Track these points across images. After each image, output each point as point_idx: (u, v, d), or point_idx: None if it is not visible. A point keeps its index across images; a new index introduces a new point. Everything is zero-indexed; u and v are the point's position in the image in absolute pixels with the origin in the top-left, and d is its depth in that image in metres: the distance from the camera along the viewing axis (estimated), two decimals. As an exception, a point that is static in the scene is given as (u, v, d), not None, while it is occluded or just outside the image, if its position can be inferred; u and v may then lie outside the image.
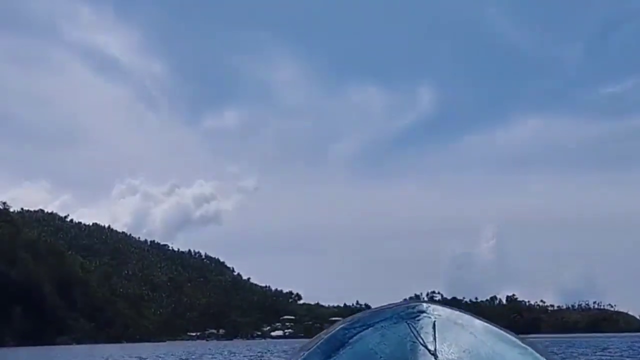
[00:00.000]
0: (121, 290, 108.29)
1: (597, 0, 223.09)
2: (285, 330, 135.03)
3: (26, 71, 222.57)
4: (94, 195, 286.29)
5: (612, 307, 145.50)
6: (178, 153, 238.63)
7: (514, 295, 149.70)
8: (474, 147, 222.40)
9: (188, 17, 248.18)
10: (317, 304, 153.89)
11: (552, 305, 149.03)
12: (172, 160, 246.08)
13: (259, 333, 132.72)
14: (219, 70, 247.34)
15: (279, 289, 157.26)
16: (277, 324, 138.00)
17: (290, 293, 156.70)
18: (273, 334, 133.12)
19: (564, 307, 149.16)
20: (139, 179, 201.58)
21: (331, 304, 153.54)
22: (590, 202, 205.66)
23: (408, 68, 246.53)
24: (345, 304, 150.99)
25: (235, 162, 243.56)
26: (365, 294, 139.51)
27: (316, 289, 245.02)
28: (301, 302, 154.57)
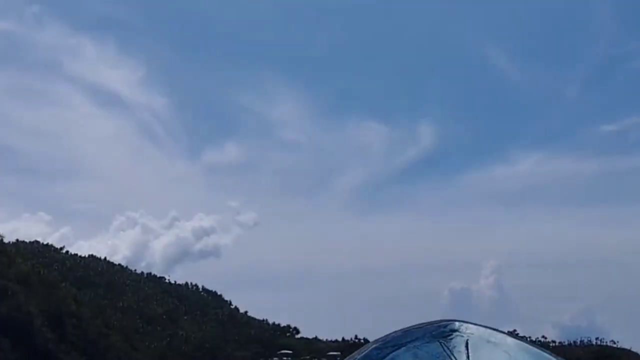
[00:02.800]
0: (115, 323, 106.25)
1: (597, 38, 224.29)
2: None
3: (28, 105, 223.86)
4: (93, 228, 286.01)
5: (614, 343, 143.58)
6: (178, 187, 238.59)
7: (515, 330, 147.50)
8: (473, 184, 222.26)
9: (189, 53, 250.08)
10: (315, 338, 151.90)
11: (554, 341, 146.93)
12: (172, 194, 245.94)
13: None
14: (219, 105, 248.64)
15: (276, 322, 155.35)
16: (275, 358, 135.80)
17: (288, 327, 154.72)
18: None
19: (566, 343, 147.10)
20: (138, 212, 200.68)
21: (329, 338, 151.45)
22: (591, 238, 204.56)
23: (408, 104, 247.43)
24: (343, 339, 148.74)
25: (235, 197, 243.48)
26: (364, 328, 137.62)
27: (314, 323, 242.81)
28: (299, 336, 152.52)
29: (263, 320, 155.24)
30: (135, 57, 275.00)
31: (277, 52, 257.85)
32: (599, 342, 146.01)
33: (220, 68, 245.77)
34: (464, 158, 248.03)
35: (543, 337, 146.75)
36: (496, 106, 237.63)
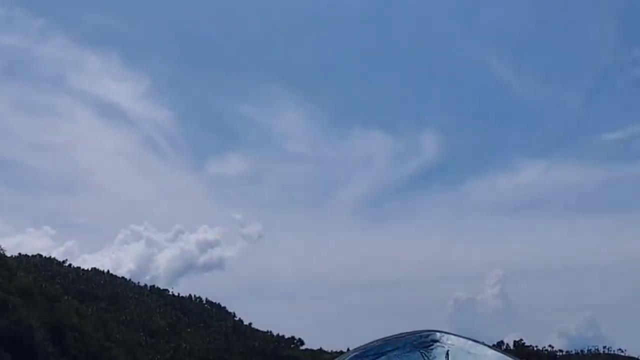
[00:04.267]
0: (117, 335, 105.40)
1: (601, 46, 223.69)
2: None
3: (32, 118, 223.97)
4: (98, 241, 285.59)
5: (622, 352, 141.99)
6: (183, 199, 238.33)
7: (521, 340, 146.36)
8: (477, 193, 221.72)
9: (193, 66, 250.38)
10: (320, 349, 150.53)
11: (560, 350, 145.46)
12: (176, 207, 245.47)
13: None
14: (223, 118, 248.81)
15: (281, 334, 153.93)
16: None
17: (293, 338, 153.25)
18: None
19: (573, 352, 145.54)
20: (143, 225, 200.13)
21: (334, 350, 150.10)
22: (596, 247, 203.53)
23: (412, 114, 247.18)
24: (348, 349, 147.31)
25: (239, 209, 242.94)
26: (369, 339, 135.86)
27: (319, 335, 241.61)
28: (303, 347, 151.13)
29: (267, 331, 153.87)
30: (139, 71, 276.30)
31: (280, 64, 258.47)
32: (606, 351, 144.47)
33: (223, 80, 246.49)
34: (467, 167, 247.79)
35: (550, 346, 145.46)
36: (500, 115, 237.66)
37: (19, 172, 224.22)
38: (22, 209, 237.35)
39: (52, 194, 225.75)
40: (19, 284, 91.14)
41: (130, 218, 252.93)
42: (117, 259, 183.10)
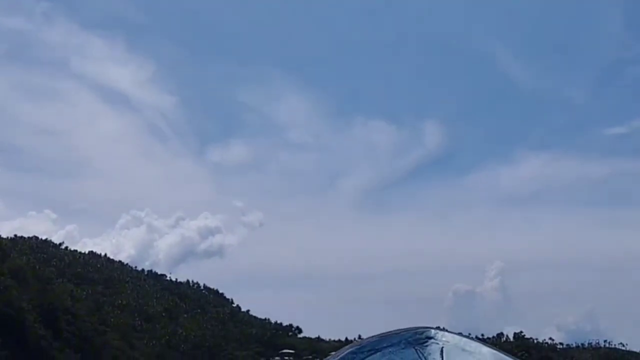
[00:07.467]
0: (112, 320, 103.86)
1: (605, 41, 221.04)
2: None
3: (36, 103, 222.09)
4: (99, 226, 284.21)
5: (623, 346, 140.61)
6: (184, 186, 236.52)
7: (521, 332, 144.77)
8: (479, 185, 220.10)
9: (197, 52, 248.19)
10: (318, 337, 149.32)
11: (561, 343, 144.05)
12: (178, 193, 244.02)
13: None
14: (226, 105, 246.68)
15: (278, 321, 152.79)
16: (276, 357, 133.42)
17: (290, 326, 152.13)
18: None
19: (573, 345, 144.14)
20: (144, 211, 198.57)
21: (332, 338, 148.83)
22: (596, 240, 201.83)
23: (415, 105, 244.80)
24: (346, 338, 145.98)
25: (241, 197, 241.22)
26: (368, 329, 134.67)
27: (317, 323, 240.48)
28: (301, 335, 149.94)
29: (265, 319, 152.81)
30: (143, 56, 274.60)
31: (284, 52, 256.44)
32: (607, 345, 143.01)
33: (227, 68, 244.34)
34: (470, 159, 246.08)
35: (550, 339, 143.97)
36: (503, 108, 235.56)
37: (21, 155, 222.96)
38: (24, 192, 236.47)
39: (54, 178, 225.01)
40: (12, 265, 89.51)
41: (132, 203, 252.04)
42: (118, 243, 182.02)
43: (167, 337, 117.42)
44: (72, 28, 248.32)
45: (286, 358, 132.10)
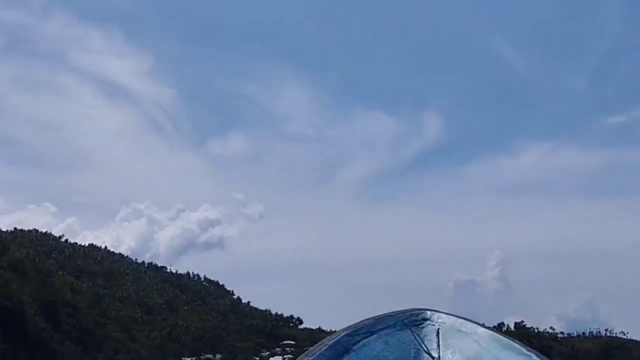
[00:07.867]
0: (113, 312, 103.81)
1: (605, 29, 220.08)
2: (285, 356, 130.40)
3: (34, 96, 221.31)
4: (99, 219, 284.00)
5: (624, 335, 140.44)
6: (184, 178, 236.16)
7: (522, 321, 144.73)
8: (479, 175, 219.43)
9: (195, 44, 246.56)
10: (319, 328, 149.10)
11: (562, 333, 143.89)
12: (178, 185, 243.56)
13: (258, 358, 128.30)
14: (225, 97, 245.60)
15: (279, 313, 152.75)
16: (277, 349, 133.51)
17: (291, 317, 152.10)
18: (272, 359, 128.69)
19: (575, 334, 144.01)
20: (144, 203, 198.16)
21: (333, 329, 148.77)
22: (596, 230, 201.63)
23: (415, 95, 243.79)
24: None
25: (241, 189, 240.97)
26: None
27: (318, 314, 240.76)
28: (302, 326, 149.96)
29: (266, 310, 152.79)
30: (141, 48, 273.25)
31: (283, 44, 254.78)
32: (608, 334, 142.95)
33: (226, 59, 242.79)
34: (470, 149, 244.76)
35: (551, 328, 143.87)
36: (503, 97, 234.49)
37: (20, 149, 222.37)
38: (24, 185, 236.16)
39: (53, 171, 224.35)
40: (11, 258, 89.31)
41: (132, 196, 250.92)
42: (118, 236, 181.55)
43: (168, 329, 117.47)
44: (70, 21, 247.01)
45: (287, 349, 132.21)
